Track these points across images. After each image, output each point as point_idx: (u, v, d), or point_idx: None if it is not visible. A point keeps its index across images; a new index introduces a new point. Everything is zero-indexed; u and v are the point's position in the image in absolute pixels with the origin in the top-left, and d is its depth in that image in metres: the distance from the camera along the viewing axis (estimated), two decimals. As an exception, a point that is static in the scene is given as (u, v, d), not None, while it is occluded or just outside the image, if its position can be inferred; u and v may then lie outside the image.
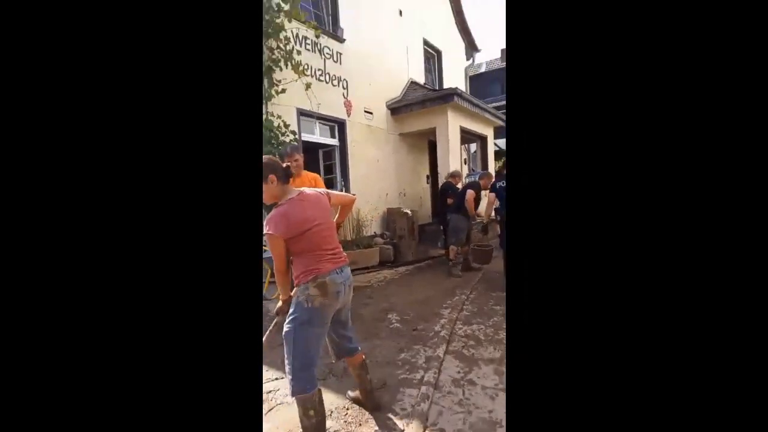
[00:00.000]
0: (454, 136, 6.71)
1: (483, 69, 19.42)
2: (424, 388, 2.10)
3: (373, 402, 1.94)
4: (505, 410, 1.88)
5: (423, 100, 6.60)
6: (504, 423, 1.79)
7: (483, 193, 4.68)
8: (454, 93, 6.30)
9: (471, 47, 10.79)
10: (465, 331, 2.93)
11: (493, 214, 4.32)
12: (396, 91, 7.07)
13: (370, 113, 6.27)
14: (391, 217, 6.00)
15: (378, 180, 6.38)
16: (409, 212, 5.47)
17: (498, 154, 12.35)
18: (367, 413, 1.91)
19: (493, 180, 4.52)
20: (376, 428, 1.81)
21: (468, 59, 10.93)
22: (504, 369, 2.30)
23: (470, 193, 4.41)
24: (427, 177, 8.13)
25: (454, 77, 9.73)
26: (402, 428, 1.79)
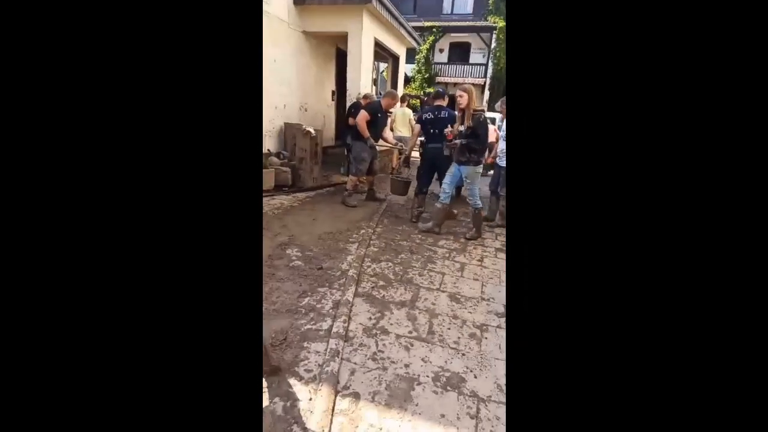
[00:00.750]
0: (368, 48, 5.89)
1: (398, -21, 17.57)
2: (333, 342, 1.81)
3: (270, 364, 1.58)
4: (420, 361, 1.75)
5: (336, -7, 5.46)
6: (421, 379, 1.65)
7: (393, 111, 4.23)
8: (373, -7, 5.34)
9: (392, -56, 9.31)
10: (374, 270, 2.71)
11: (417, 143, 3.97)
12: (302, -26, 5.66)
13: (268, -5, 4.89)
14: (289, 135, 5.15)
15: (275, 85, 5.26)
16: (312, 131, 4.73)
17: (406, 80, 11.82)
18: (263, 381, 1.54)
19: (398, 102, 4.04)
20: (276, 399, 1.47)
21: (387, -41, 9.48)
22: (417, 313, 2.17)
23: (362, 114, 3.88)
24: (333, 92, 7.21)
25: (371, -23, 8.38)
26: (309, 396, 1.49)
